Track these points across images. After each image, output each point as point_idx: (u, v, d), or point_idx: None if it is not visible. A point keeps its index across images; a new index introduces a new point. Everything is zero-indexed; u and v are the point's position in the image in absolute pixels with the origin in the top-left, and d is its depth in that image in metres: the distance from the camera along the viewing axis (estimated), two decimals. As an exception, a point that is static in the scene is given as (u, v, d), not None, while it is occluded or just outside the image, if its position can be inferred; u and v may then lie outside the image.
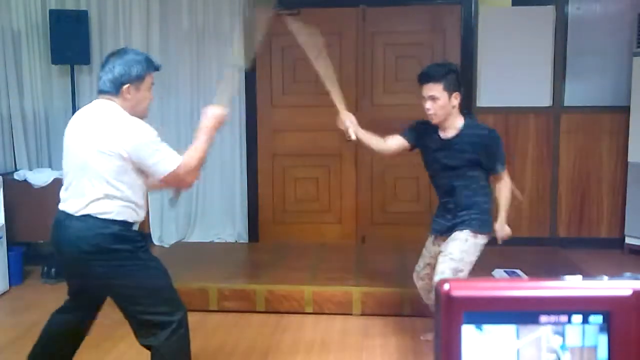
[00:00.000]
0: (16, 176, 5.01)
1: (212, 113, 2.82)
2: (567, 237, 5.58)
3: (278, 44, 5.65)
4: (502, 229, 3.25)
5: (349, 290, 4.12)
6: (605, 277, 0.75)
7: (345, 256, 5.03)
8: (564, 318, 0.72)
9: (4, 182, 4.70)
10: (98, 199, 2.52)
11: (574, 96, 5.47)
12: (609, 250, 5.40)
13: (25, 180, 4.94)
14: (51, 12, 5.35)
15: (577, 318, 0.73)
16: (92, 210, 2.52)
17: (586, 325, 0.73)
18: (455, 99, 3.10)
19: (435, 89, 3.07)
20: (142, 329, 2.68)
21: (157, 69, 2.70)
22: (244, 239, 5.82)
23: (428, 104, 3.10)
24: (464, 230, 3.17)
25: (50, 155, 5.73)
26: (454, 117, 3.16)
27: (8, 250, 4.66)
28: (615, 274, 0.75)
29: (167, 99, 5.69)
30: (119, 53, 2.63)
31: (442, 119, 3.14)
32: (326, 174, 5.77)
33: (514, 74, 5.41)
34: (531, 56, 5.40)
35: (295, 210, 5.78)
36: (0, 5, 5.50)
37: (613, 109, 5.44)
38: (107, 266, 2.55)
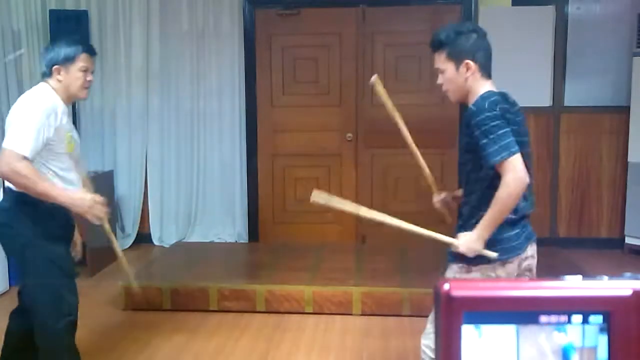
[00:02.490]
0: (16, 176, 4.98)
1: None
2: (567, 237, 5.58)
3: (278, 44, 5.65)
4: (466, 243, 2.25)
5: (349, 290, 4.11)
6: (605, 277, 0.75)
7: (345, 256, 5.03)
8: (564, 318, 0.72)
9: (3, 182, 4.69)
10: None
11: (574, 96, 5.47)
12: (609, 250, 5.39)
13: (25, 180, 4.90)
14: (51, 12, 5.34)
15: (577, 318, 0.73)
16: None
17: (586, 326, 0.73)
18: (467, 69, 2.34)
19: (438, 60, 2.40)
20: None
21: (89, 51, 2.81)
22: (244, 239, 5.82)
23: (439, 79, 2.45)
24: (453, 264, 2.37)
25: (51, 155, 5.72)
26: (475, 93, 2.35)
27: (8, 250, 4.65)
28: (615, 274, 0.75)
29: (167, 98, 5.70)
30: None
31: (459, 95, 2.41)
32: (326, 174, 5.77)
33: (513, 73, 5.36)
34: (531, 56, 5.40)
35: (295, 210, 5.78)
36: (0, 5, 5.50)
37: (613, 109, 5.44)
38: None
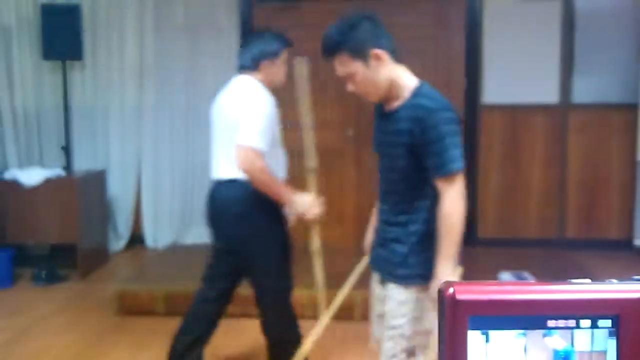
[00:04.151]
0: (6, 175, 4.97)
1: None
2: (575, 238, 5.49)
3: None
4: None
5: (349, 292, 4.00)
6: (615, 280, 0.74)
7: (345, 257, 4.91)
8: (572, 322, 0.71)
9: (-7, 181, 4.65)
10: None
11: (582, 93, 5.38)
12: (618, 252, 5.29)
13: (15, 180, 4.88)
14: (43, 6, 5.27)
15: (586, 322, 0.72)
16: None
17: (595, 330, 0.72)
18: (376, 58, 2.04)
19: (341, 64, 2.10)
20: None
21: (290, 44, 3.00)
22: (242, 239, 5.71)
23: (349, 85, 2.15)
24: (393, 285, 2.16)
25: (42, 154, 5.67)
26: (396, 82, 2.08)
27: (-3, 252, 4.62)
28: (624, 276, 0.75)
29: (162, 95, 5.60)
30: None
31: (381, 93, 2.11)
32: (326, 171, 5.66)
33: (520, 70, 5.35)
34: (538, 52, 5.32)
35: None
36: (-9, -1, 5.41)
37: (622, 106, 5.35)
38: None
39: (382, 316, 2.16)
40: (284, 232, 3.04)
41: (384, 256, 2.18)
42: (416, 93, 2.02)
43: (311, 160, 2.93)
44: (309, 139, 2.86)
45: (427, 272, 2.04)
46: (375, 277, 2.27)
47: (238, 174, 2.79)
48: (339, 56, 2.07)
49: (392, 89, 2.07)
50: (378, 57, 2.04)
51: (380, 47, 2.05)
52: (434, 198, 2.01)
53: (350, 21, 2.08)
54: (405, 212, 2.09)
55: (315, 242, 3.02)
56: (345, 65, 2.08)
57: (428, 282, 2.06)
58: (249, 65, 2.92)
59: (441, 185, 1.96)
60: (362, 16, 2.11)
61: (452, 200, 1.96)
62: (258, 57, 2.90)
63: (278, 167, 2.93)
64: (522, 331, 0.71)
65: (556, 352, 0.72)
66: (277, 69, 2.95)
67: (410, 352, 2.12)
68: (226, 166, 2.90)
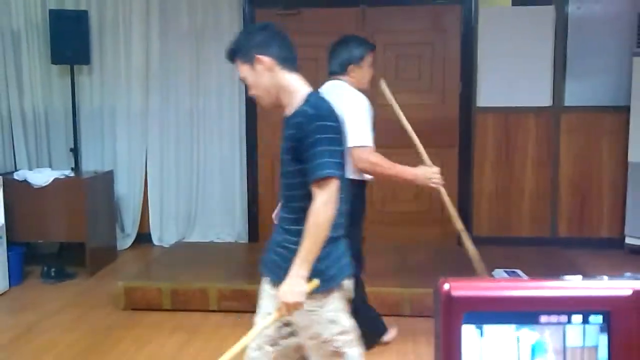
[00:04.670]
0: (16, 176, 4.99)
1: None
2: (567, 237, 5.56)
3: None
4: (285, 295, 2.00)
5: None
6: (606, 277, 0.74)
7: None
8: (564, 318, 0.71)
9: (4, 182, 4.69)
10: None
11: (574, 96, 5.45)
12: (609, 250, 5.37)
13: (25, 180, 4.91)
14: (51, 12, 5.34)
15: (577, 318, 0.72)
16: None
17: (586, 325, 0.72)
18: (261, 64, 2.13)
19: (238, 68, 2.20)
20: None
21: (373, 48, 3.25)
22: (244, 239, 5.80)
23: (248, 91, 2.24)
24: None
25: (50, 155, 5.74)
26: (285, 89, 2.16)
27: (8, 250, 4.65)
28: (615, 274, 0.75)
29: (167, 98, 5.68)
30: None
31: (270, 97, 2.18)
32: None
33: (514, 73, 5.40)
34: (531, 56, 5.38)
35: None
36: (0, 5, 5.49)
37: (613, 108, 5.42)
38: None
39: (270, 314, 2.12)
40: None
41: (274, 260, 2.19)
42: (305, 100, 2.09)
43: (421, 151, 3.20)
44: (414, 137, 3.16)
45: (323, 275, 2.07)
46: (267, 279, 2.25)
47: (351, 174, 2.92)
48: (236, 62, 2.19)
49: (281, 96, 2.15)
50: (260, 62, 2.12)
51: (267, 54, 2.13)
52: None
53: (248, 30, 2.24)
54: (294, 218, 2.11)
55: (448, 203, 3.20)
56: (240, 70, 2.19)
57: (332, 285, 2.10)
58: (338, 70, 3.19)
59: (313, 189, 1.99)
60: (263, 26, 2.23)
61: (320, 204, 1.98)
62: (345, 62, 3.17)
63: None
64: (515, 326, 0.71)
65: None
66: (363, 72, 3.20)
67: (339, 354, 2.15)
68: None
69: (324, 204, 1.97)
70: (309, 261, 1.99)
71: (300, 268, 1.99)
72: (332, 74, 3.22)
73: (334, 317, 2.13)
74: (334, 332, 2.13)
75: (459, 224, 3.23)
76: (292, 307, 2.01)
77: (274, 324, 2.11)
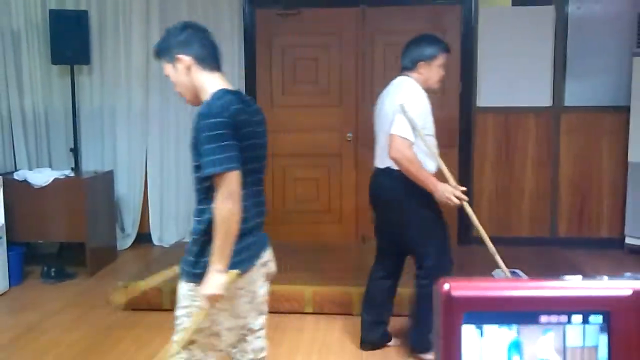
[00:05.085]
0: (16, 176, 4.99)
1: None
2: (567, 237, 5.57)
3: (278, 44, 5.65)
4: (205, 288, 2.10)
5: (349, 290, 4.11)
6: (606, 277, 0.75)
7: (345, 256, 5.02)
8: (564, 318, 0.72)
9: (4, 182, 4.69)
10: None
11: (574, 96, 5.46)
12: (609, 250, 5.38)
13: (25, 180, 4.92)
14: (51, 12, 5.35)
15: (577, 318, 0.72)
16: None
17: (586, 325, 0.72)
18: (181, 63, 2.18)
19: (164, 66, 2.26)
20: None
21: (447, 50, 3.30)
22: (244, 238, 5.80)
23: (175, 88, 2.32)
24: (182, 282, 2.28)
25: (50, 155, 5.74)
26: (201, 88, 2.19)
27: (8, 250, 4.65)
28: (615, 273, 0.75)
29: (167, 98, 5.68)
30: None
31: (191, 96, 2.23)
32: (326, 174, 5.76)
33: (514, 74, 5.41)
34: (531, 56, 5.39)
35: (295, 211, 5.77)
36: (0, 5, 5.49)
37: (613, 108, 5.43)
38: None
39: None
40: (438, 213, 3.25)
41: (184, 257, 2.30)
42: (207, 99, 2.13)
43: (441, 164, 3.20)
44: (439, 160, 3.20)
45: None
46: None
47: (391, 163, 3.13)
48: (161, 61, 2.25)
49: (199, 94, 2.20)
50: (180, 61, 2.17)
51: (187, 54, 2.16)
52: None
53: (170, 29, 2.24)
54: (199, 209, 2.18)
55: (473, 218, 3.15)
56: (164, 68, 2.25)
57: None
58: (408, 66, 3.26)
59: (214, 185, 2.05)
60: (185, 26, 2.24)
61: (219, 200, 2.03)
62: (416, 58, 3.23)
63: (429, 158, 3.16)
64: (515, 326, 0.71)
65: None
66: (432, 71, 3.25)
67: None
68: (382, 156, 3.21)
69: (223, 199, 2.02)
70: (224, 255, 2.06)
71: (216, 263, 2.07)
72: (404, 69, 3.29)
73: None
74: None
75: (482, 232, 3.16)
76: (212, 300, 2.09)
77: (204, 318, 2.17)
